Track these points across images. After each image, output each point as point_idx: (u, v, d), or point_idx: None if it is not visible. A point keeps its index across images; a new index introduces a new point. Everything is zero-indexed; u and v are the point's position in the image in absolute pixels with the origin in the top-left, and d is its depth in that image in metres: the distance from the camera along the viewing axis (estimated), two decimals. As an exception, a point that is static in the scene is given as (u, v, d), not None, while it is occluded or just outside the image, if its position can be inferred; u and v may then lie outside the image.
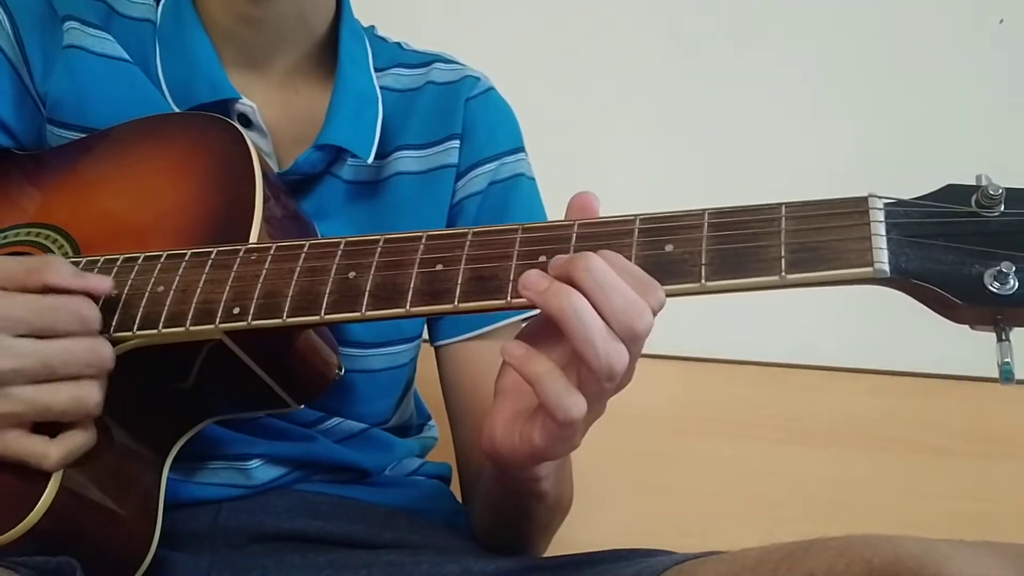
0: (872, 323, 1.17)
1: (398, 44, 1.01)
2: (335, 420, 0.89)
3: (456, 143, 0.94)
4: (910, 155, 1.34)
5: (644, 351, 0.63)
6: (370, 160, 0.90)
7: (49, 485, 0.66)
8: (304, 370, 0.79)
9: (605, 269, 0.60)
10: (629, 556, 0.73)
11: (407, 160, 0.93)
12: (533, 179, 0.99)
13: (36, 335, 0.65)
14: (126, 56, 0.88)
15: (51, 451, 0.66)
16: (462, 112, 0.96)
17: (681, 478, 1.26)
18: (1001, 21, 1.35)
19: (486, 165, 0.95)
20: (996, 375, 0.59)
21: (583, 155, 1.37)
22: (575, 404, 0.60)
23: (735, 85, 1.40)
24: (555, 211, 0.99)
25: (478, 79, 0.99)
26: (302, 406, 0.80)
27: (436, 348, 0.96)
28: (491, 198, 0.95)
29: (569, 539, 0.90)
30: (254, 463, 0.83)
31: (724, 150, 1.39)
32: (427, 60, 0.99)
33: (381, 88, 0.94)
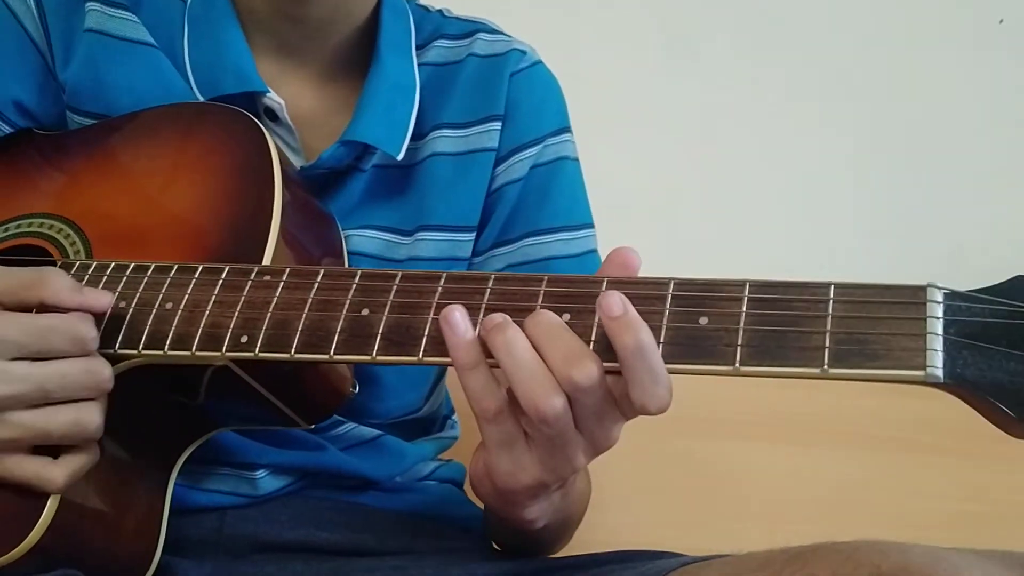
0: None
1: (440, 12, 0.95)
2: (347, 426, 0.86)
3: (497, 125, 0.89)
4: (909, 155, 1.35)
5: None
6: (400, 157, 0.85)
7: (49, 502, 0.65)
8: (316, 393, 0.76)
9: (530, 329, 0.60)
10: (634, 558, 0.73)
11: (444, 140, 0.88)
12: (577, 161, 0.93)
13: (31, 357, 0.63)
14: (149, 39, 0.84)
15: (55, 473, 0.64)
16: (505, 89, 0.89)
17: (681, 478, 1.25)
18: (1001, 21, 1.35)
19: (529, 149, 0.90)
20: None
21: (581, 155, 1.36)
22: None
23: (735, 86, 1.40)
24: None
25: (524, 52, 0.93)
26: (312, 426, 0.78)
27: None
28: (533, 182, 0.89)
29: (573, 540, 0.90)
30: (261, 473, 0.82)
31: (724, 150, 1.39)
32: (471, 30, 0.93)
33: (421, 65, 0.89)
